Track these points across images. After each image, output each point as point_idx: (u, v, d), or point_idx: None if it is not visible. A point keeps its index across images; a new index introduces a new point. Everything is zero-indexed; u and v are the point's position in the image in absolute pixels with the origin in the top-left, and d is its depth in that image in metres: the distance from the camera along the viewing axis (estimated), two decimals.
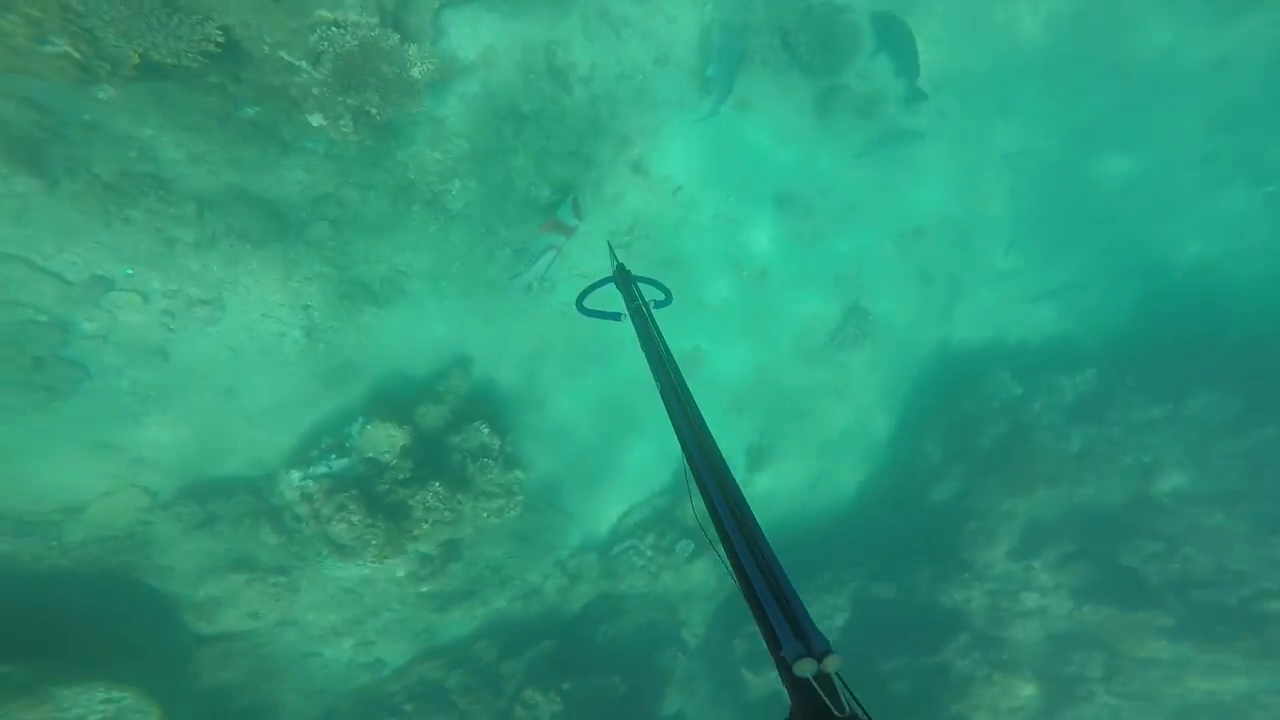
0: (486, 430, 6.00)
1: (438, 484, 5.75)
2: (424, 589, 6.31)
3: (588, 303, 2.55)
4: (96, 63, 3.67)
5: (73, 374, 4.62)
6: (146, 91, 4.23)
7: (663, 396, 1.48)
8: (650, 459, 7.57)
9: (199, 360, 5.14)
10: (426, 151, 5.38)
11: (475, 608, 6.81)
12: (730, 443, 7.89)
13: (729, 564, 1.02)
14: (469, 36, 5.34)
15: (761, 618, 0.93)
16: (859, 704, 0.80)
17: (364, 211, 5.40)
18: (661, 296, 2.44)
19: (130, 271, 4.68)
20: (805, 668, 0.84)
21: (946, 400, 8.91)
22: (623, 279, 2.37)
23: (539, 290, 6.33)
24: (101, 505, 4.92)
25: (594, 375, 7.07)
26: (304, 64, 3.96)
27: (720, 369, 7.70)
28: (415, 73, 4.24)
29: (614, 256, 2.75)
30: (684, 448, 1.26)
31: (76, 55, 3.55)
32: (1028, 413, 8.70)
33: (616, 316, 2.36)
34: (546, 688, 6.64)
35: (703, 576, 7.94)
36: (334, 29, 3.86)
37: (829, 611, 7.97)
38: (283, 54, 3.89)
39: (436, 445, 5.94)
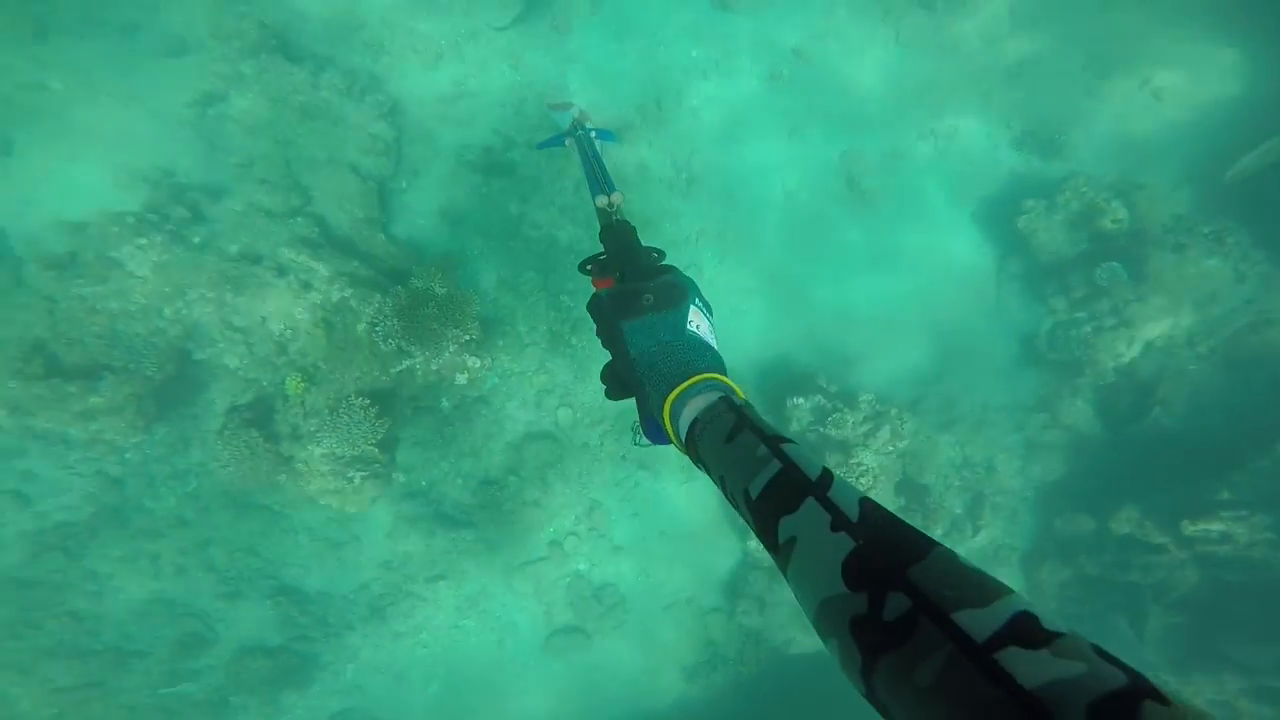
0: (800, 400, 5.06)
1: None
2: (938, 529, 5.34)
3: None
4: (380, 470, 4.87)
5: None
6: (410, 445, 5.31)
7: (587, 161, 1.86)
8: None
9: None
10: (524, 307, 5.46)
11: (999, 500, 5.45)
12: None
13: (593, 175, 1.59)
14: (424, 222, 5.51)
15: (592, 176, 1.58)
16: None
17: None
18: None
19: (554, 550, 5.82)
20: (600, 200, 1.37)
21: None
22: (574, 127, 2.76)
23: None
24: None
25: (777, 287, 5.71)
26: (406, 362, 4.46)
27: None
28: (438, 288, 4.33)
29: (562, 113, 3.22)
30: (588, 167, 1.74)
31: (365, 475, 4.77)
32: None
33: (560, 141, 2.68)
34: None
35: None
36: (370, 328, 4.29)
37: None
38: (390, 370, 4.49)
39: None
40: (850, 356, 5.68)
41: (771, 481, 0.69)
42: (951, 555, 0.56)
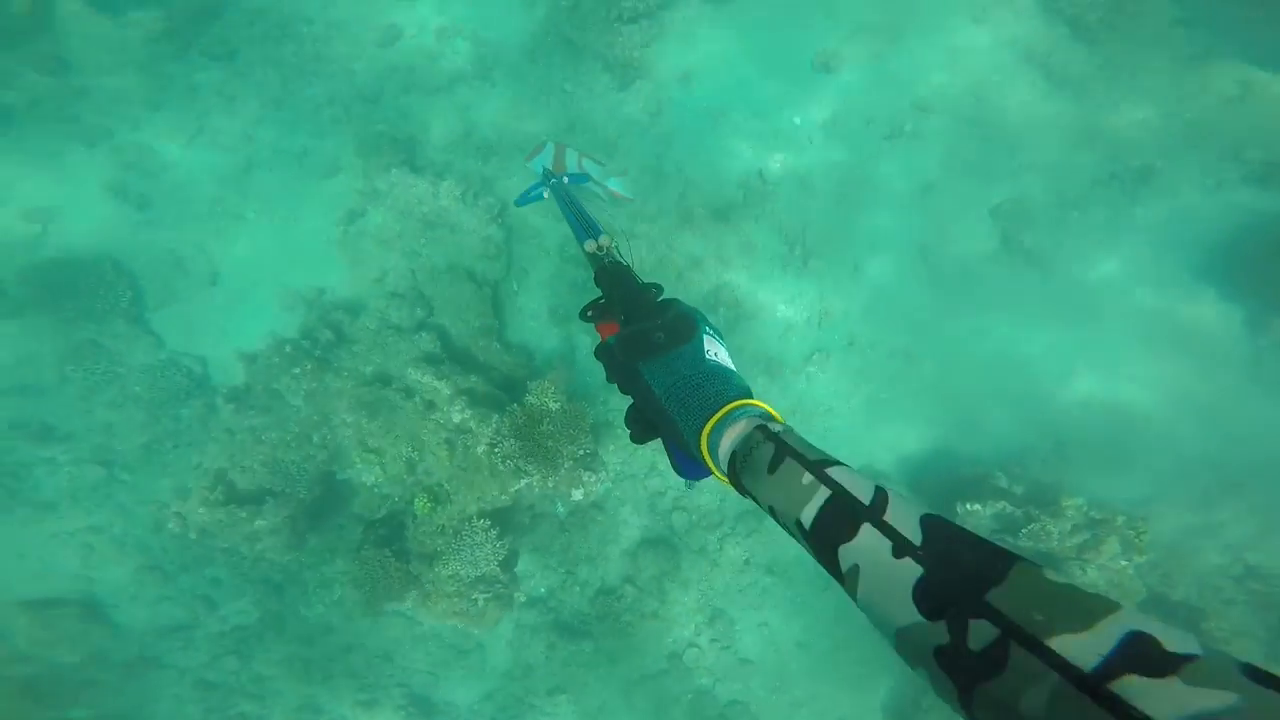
0: (975, 506, 3.98)
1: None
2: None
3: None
4: (502, 591, 4.64)
5: None
6: (529, 551, 5.07)
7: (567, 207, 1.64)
8: None
9: None
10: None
11: None
12: None
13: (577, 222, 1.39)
14: (534, 324, 5.30)
15: (577, 225, 1.36)
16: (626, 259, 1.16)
17: None
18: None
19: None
20: (589, 245, 1.21)
21: None
22: (546, 176, 2.57)
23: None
24: None
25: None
26: (523, 481, 4.18)
27: None
28: (552, 403, 4.05)
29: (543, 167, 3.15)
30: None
31: (489, 596, 4.46)
32: None
33: (540, 194, 2.49)
34: None
35: None
36: (489, 449, 4.08)
37: None
38: (509, 489, 4.23)
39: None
40: (1031, 449, 4.47)
41: (822, 510, 0.63)
42: (1036, 572, 0.50)
